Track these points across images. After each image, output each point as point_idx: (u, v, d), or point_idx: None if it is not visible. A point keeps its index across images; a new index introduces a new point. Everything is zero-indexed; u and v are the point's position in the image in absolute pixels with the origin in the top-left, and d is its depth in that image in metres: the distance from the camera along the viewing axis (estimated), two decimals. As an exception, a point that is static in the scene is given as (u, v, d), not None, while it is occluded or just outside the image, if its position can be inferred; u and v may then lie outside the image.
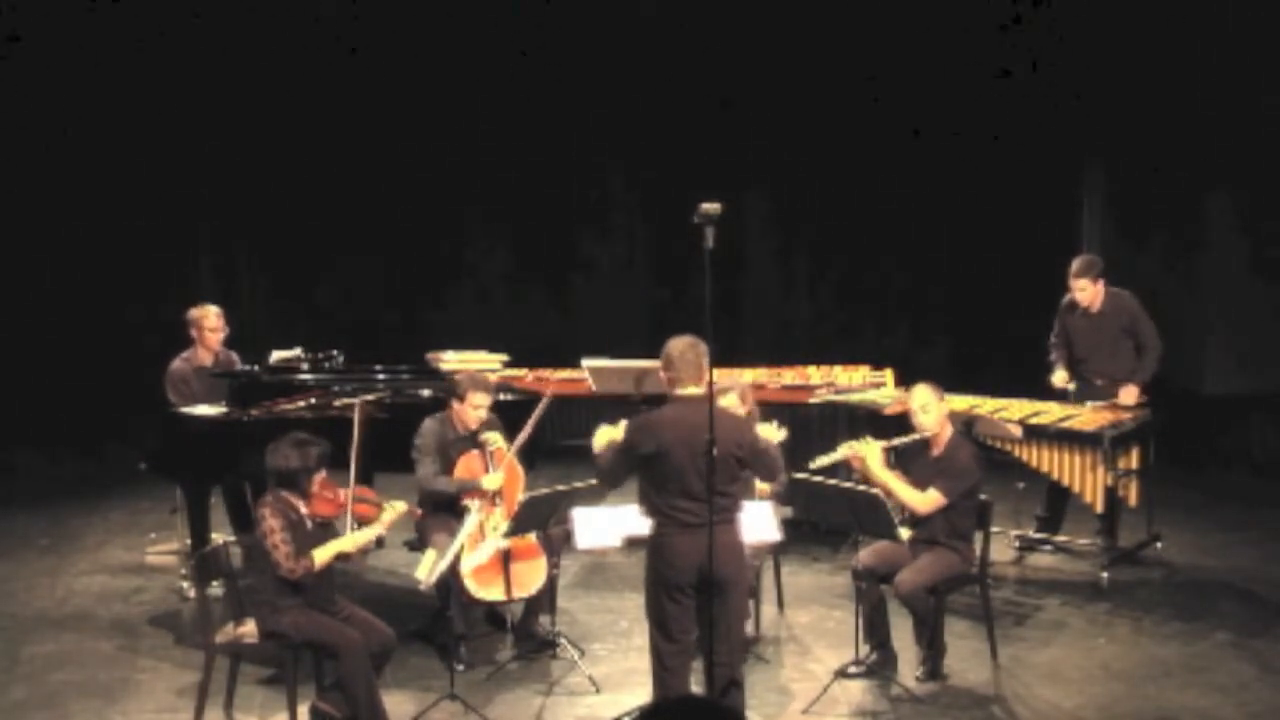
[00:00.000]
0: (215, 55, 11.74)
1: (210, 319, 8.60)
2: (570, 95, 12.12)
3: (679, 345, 5.88)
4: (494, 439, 7.34)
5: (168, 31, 11.59)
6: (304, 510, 6.32)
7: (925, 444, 7.13)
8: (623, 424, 6.02)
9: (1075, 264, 8.75)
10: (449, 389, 7.52)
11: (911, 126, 11.88)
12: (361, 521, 6.57)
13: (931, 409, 7.08)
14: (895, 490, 6.93)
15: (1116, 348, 8.75)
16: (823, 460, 7.19)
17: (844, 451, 7.16)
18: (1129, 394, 8.62)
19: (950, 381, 8.85)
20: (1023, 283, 10.88)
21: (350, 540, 6.45)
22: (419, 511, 7.30)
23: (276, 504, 6.26)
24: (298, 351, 8.60)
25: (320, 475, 6.37)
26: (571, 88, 12.10)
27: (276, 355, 8.67)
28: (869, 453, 7.04)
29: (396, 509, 6.63)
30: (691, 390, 5.83)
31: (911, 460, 7.18)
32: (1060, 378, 8.81)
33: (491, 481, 7.20)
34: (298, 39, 11.88)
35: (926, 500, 6.95)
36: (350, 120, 12.07)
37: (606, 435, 6.09)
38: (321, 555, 6.27)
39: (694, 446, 5.65)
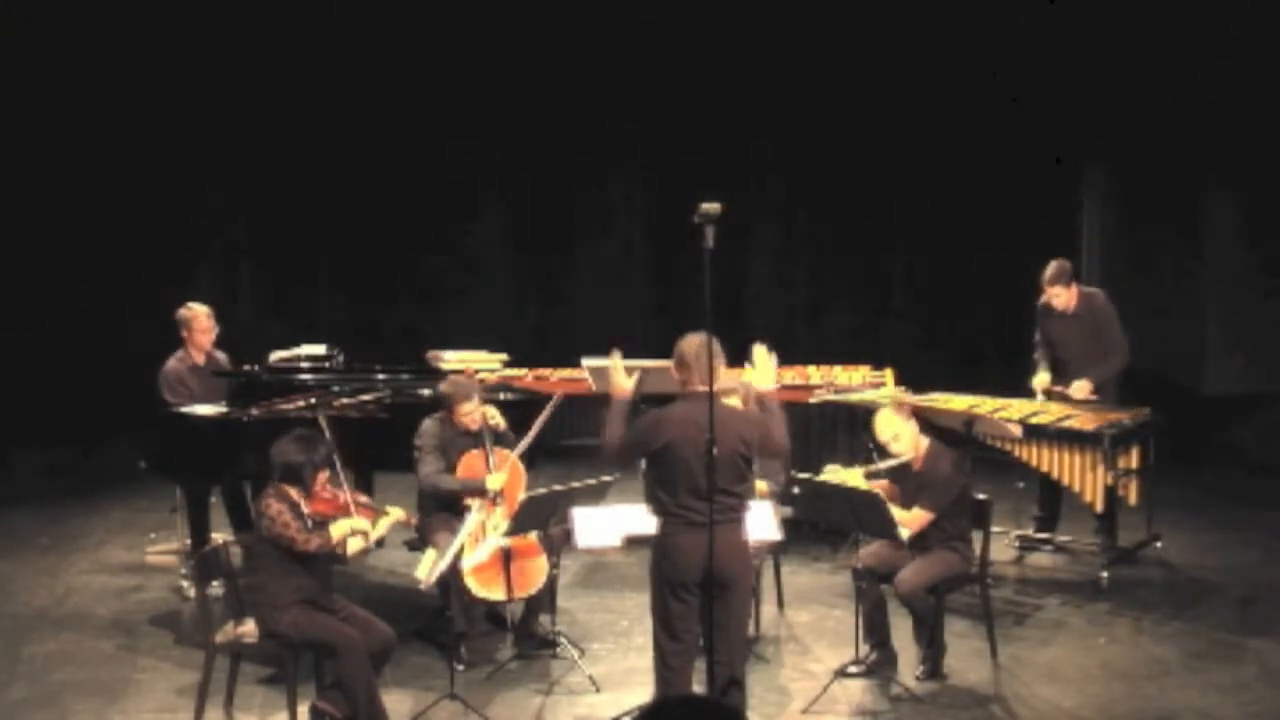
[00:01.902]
0: (210, 54, 11.76)
1: (201, 319, 8.57)
2: (571, 92, 12.10)
3: (693, 345, 5.85)
4: (492, 413, 7.38)
5: (166, 27, 11.60)
6: (305, 508, 6.33)
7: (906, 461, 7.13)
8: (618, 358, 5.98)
9: (1048, 271, 8.74)
10: (439, 400, 7.51)
11: (913, 126, 11.88)
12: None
13: (903, 435, 7.07)
14: None
15: (1094, 348, 8.74)
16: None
17: (825, 476, 7.14)
18: (1080, 389, 8.62)
19: (950, 381, 8.89)
20: (1023, 282, 10.86)
21: (361, 523, 6.44)
22: (413, 520, 7.29)
23: (279, 493, 6.29)
24: (321, 349, 8.60)
25: (324, 474, 6.39)
26: (573, 86, 12.08)
27: (276, 355, 8.68)
28: (850, 481, 7.03)
29: (394, 515, 6.63)
30: (703, 388, 5.82)
31: (898, 476, 7.16)
32: (1041, 380, 8.76)
33: (495, 481, 7.20)
34: (300, 35, 11.87)
35: (914, 519, 6.93)
36: (351, 119, 12.06)
37: (618, 369, 6.02)
38: (337, 530, 6.30)
39: (701, 445, 5.65)
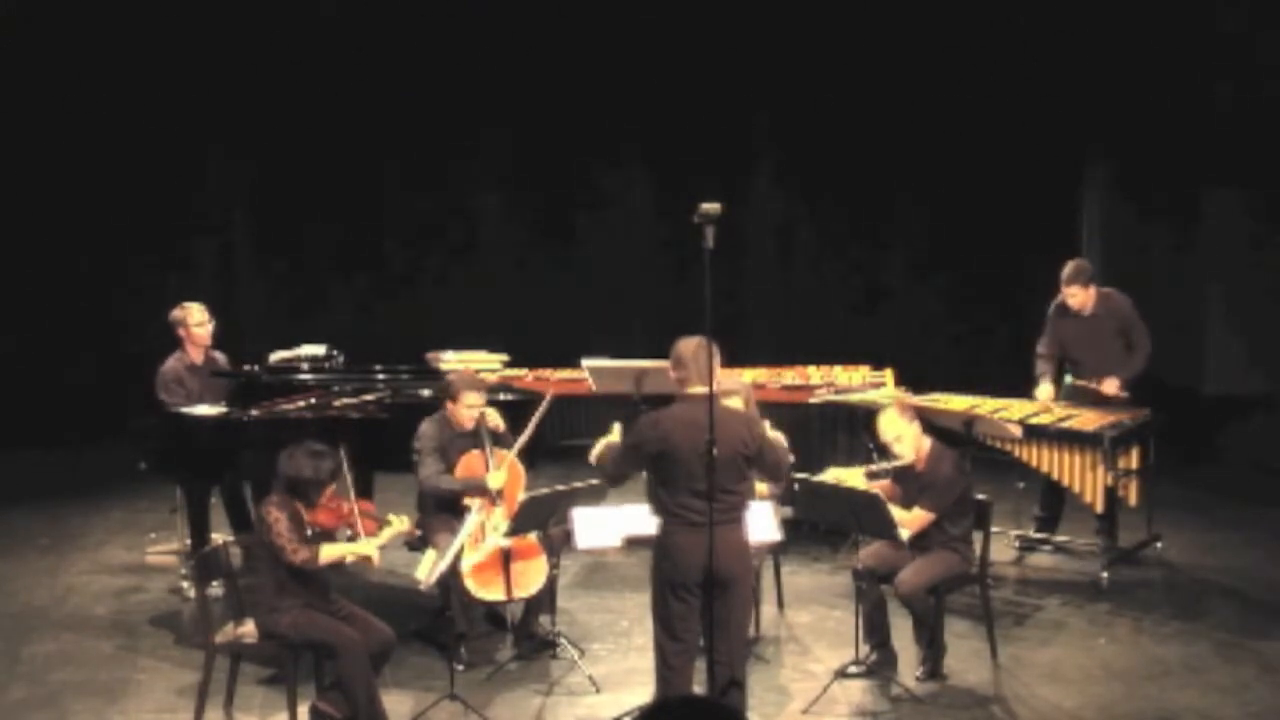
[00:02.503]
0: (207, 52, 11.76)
1: (194, 315, 8.55)
2: (573, 85, 12.10)
3: (690, 346, 5.87)
4: (491, 414, 7.39)
5: (163, 25, 11.61)
6: (306, 518, 6.33)
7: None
8: (617, 431, 6.14)
9: (1066, 270, 8.72)
10: (443, 389, 7.52)
11: (914, 125, 11.87)
12: (363, 535, 6.58)
13: (905, 436, 7.07)
14: None
15: (1111, 348, 8.74)
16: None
17: (827, 477, 7.14)
18: (1110, 384, 8.62)
19: (950, 380, 8.88)
20: (1024, 279, 10.87)
21: (356, 546, 6.46)
22: (416, 531, 7.30)
23: (282, 502, 6.29)
24: (321, 349, 8.61)
25: (330, 489, 6.39)
26: (574, 78, 12.07)
27: (276, 355, 8.67)
28: (851, 480, 7.03)
29: (397, 525, 6.63)
30: (700, 390, 5.82)
31: (900, 476, 7.16)
32: (1045, 392, 8.70)
33: (495, 480, 7.20)
34: (301, 31, 11.87)
35: (914, 519, 6.93)
36: (351, 119, 12.06)
37: (604, 444, 6.19)
38: (327, 552, 6.29)
39: (700, 446, 5.66)
